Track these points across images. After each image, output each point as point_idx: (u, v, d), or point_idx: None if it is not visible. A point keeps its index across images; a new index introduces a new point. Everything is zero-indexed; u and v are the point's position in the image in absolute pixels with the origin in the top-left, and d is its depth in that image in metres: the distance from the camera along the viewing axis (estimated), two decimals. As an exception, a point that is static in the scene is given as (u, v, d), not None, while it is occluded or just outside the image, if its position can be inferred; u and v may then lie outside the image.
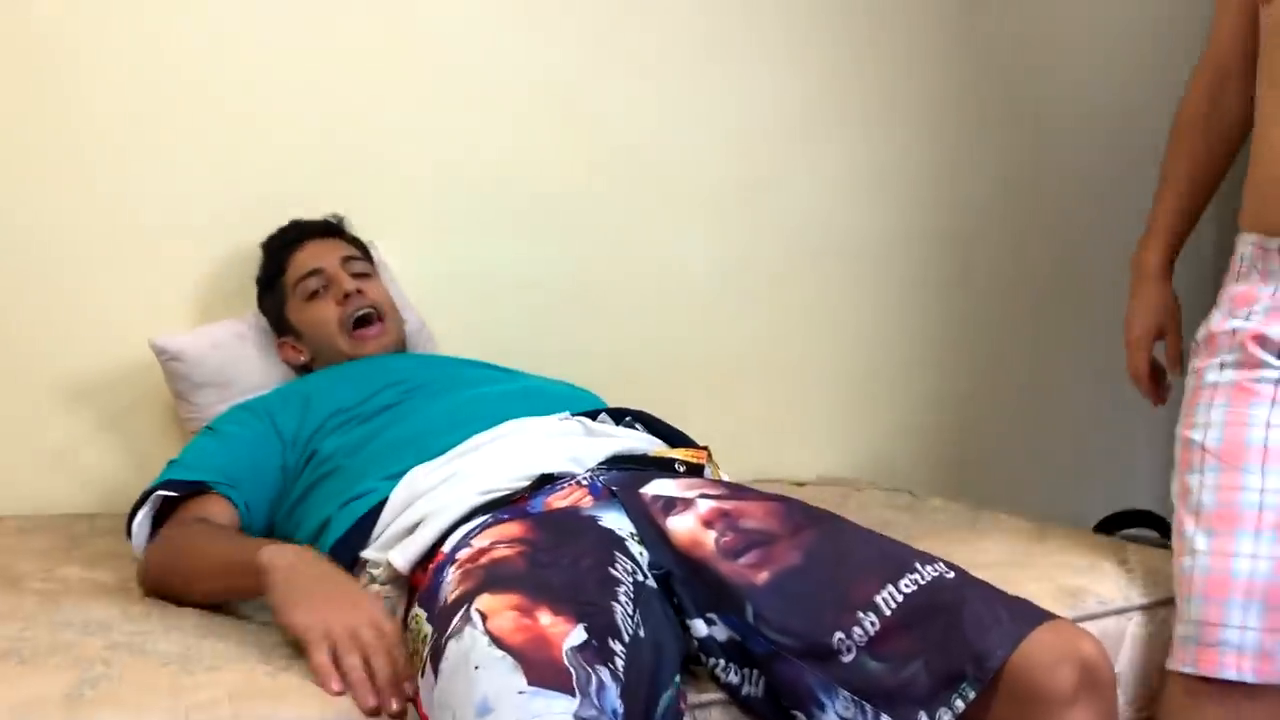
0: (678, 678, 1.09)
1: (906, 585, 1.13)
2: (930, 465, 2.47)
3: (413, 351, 1.88)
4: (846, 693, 1.10)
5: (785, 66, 2.30)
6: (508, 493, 1.27)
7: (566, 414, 1.44)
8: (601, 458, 1.35)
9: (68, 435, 1.89)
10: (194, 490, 1.47)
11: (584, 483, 1.29)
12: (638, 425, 1.48)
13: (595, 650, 0.99)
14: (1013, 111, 2.48)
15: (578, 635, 0.99)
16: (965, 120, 2.44)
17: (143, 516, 1.46)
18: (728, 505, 1.24)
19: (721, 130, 2.27)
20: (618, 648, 1.01)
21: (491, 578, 1.08)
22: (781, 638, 1.13)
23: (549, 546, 1.14)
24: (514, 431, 1.39)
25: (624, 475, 1.31)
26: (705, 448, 1.45)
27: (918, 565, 1.16)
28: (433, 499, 1.29)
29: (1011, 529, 1.82)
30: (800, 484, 2.24)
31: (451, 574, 1.12)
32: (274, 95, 1.98)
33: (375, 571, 1.28)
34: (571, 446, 1.36)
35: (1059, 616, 1.14)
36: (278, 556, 1.22)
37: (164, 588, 1.37)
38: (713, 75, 2.26)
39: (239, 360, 1.83)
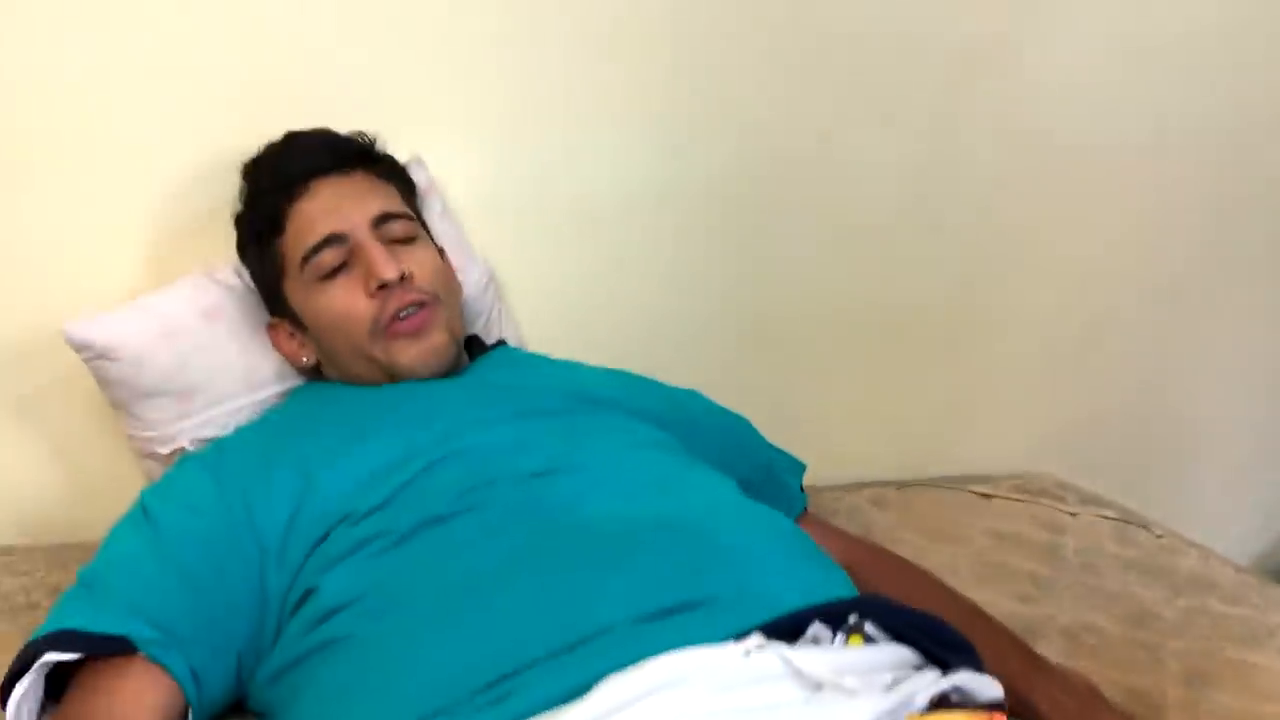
0: None
1: None
2: (1114, 455, 1.85)
3: (476, 346, 1.24)
4: None
5: None
6: None
7: (760, 638, 0.80)
8: (825, 761, 0.74)
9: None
10: (107, 649, 0.88)
11: None
12: (867, 628, 0.86)
13: None
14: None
15: None
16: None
17: (26, 696, 0.87)
18: None
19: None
20: None
21: None
22: None
23: None
24: (670, 685, 0.76)
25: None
26: (1000, 705, 0.83)
27: None
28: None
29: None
30: (987, 495, 1.65)
31: None
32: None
33: None
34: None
35: None
36: None
37: None
38: None
39: (206, 354, 1.18)
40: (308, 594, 0.93)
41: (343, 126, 1.20)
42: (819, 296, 1.62)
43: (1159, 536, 1.55)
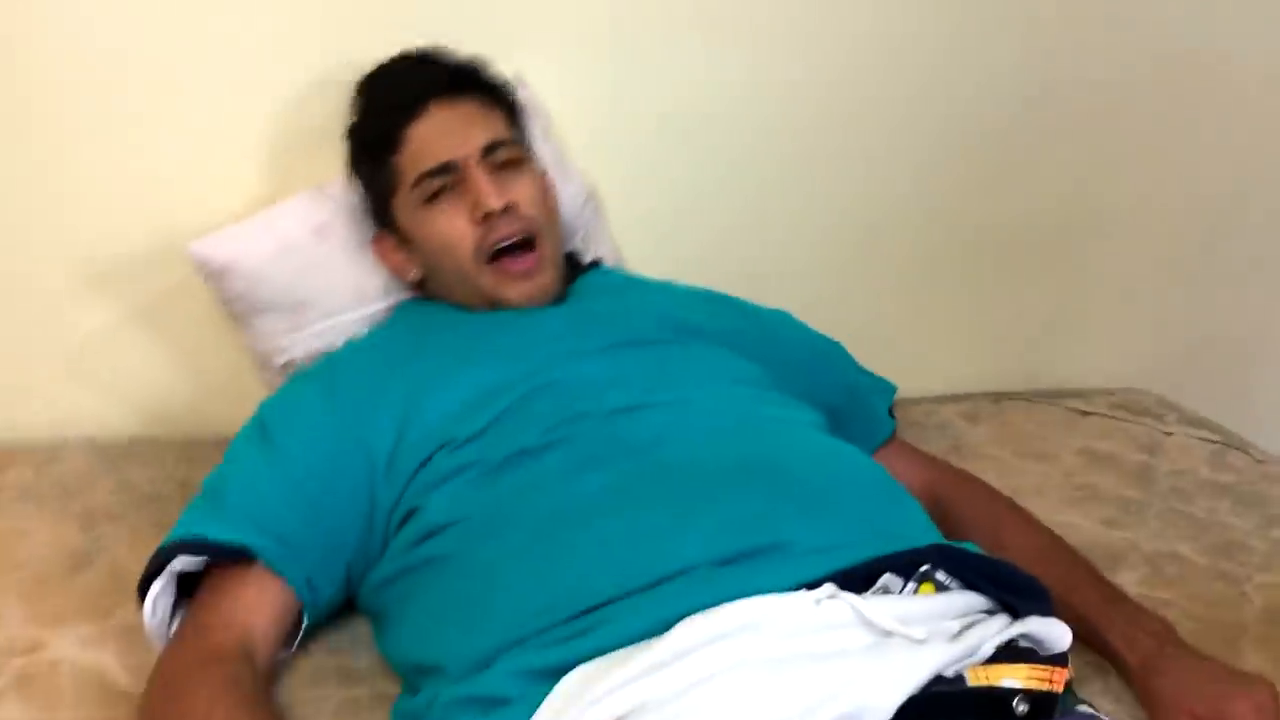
0: None
1: None
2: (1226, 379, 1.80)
3: (573, 265, 1.27)
4: None
5: None
6: None
7: (831, 588, 0.84)
8: (892, 707, 0.78)
9: (93, 337, 1.36)
10: (231, 557, 0.96)
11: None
12: (938, 575, 0.88)
13: None
14: None
15: None
16: None
17: (160, 594, 0.96)
18: None
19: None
20: None
21: None
22: None
23: None
24: (744, 629, 0.80)
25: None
26: (1063, 658, 0.86)
27: None
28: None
29: None
30: (1084, 412, 1.64)
31: None
32: None
33: None
34: (842, 682, 0.78)
35: None
36: None
37: None
38: None
39: (318, 271, 1.24)
40: (411, 512, 0.99)
41: (447, 44, 1.22)
42: (922, 207, 1.60)
43: (1259, 461, 1.54)
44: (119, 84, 1.27)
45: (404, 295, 1.25)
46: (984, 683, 0.81)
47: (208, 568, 0.98)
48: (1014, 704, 0.80)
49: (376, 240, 1.23)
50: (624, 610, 0.83)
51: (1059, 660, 0.85)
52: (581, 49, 1.38)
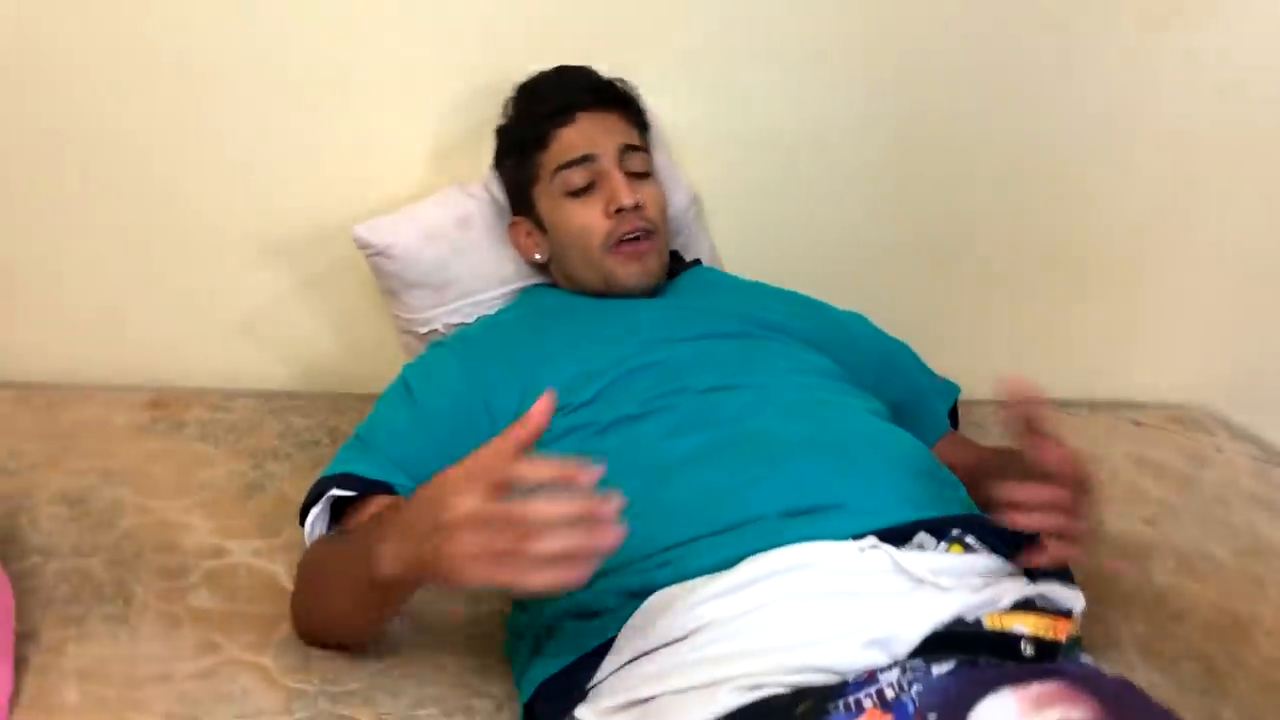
0: None
1: None
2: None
3: (675, 262, 1.45)
4: None
5: None
6: (779, 701, 0.91)
7: (874, 540, 1.01)
8: (916, 638, 0.95)
9: (262, 302, 1.60)
10: (376, 490, 1.17)
11: (890, 698, 0.90)
12: (967, 539, 1.06)
13: None
14: None
15: None
16: None
17: (317, 518, 1.18)
18: None
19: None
20: None
21: None
22: None
23: None
24: (799, 568, 0.99)
25: (945, 686, 0.91)
26: (1069, 612, 1.02)
27: None
28: (671, 669, 0.95)
29: None
30: (1139, 423, 1.78)
31: None
32: None
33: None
34: (877, 615, 0.96)
35: None
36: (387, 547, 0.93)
37: (320, 630, 1.13)
38: None
39: (460, 256, 1.44)
40: (530, 464, 1.19)
41: (577, 60, 1.42)
42: (995, 224, 1.74)
43: (1289, 469, 1.66)
44: (305, 85, 1.49)
45: (531, 281, 1.45)
46: (998, 627, 0.97)
47: (356, 500, 1.19)
48: (1021, 645, 0.97)
49: (514, 224, 1.42)
50: (703, 548, 1.02)
51: (1065, 614, 1.01)
52: (695, 71, 1.56)
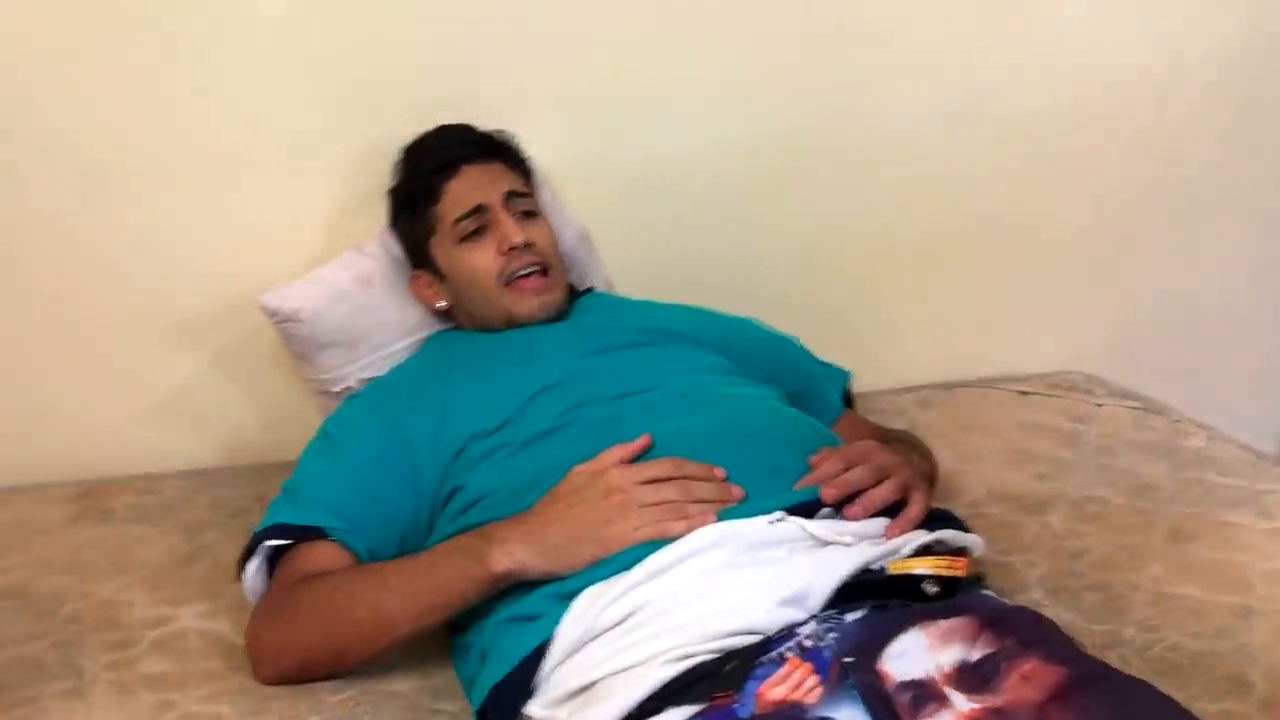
0: None
1: None
2: (1154, 357, 2.06)
3: (571, 292, 1.54)
4: None
5: None
6: (708, 667, 0.98)
7: (781, 513, 1.10)
8: (827, 590, 1.03)
9: (178, 383, 1.64)
10: (307, 535, 1.22)
11: (808, 647, 0.98)
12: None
13: None
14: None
15: None
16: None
17: (256, 573, 1.23)
18: (995, 698, 0.92)
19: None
20: None
21: None
22: None
23: None
24: (714, 546, 1.06)
25: (858, 631, 0.99)
26: (962, 550, 1.11)
27: None
28: (608, 654, 1.01)
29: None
30: (1024, 392, 1.90)
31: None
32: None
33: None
34: (790, 575, 1.04)
35: None
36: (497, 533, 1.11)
37: (300, 662, 1.17)
38: None
39: (366, 314, 1.51)
40: (454, 491, 1.25)
41: (458, 113, 1.51)
42: (866, 227, 1.87)
43: (1175, 422, 1.79)
44: (199, 167, 1.56)
45: (436, 328, 1.52)
46: (901, 571, 1.06)
47: (288, 548, 1.23)
48: (924, 585, 1.05)
49: (414, 278, 1.50)
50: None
51: (961, 553, 1.10)
52: (577, 112, 1.68)
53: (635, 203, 1.74)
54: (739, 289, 1.72)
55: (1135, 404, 1.85)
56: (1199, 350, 2.09)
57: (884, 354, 1.91)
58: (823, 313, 1.84)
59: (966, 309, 1.97)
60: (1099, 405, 1.85)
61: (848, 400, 1.58)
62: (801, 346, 1.56)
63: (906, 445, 1.41)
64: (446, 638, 1.20)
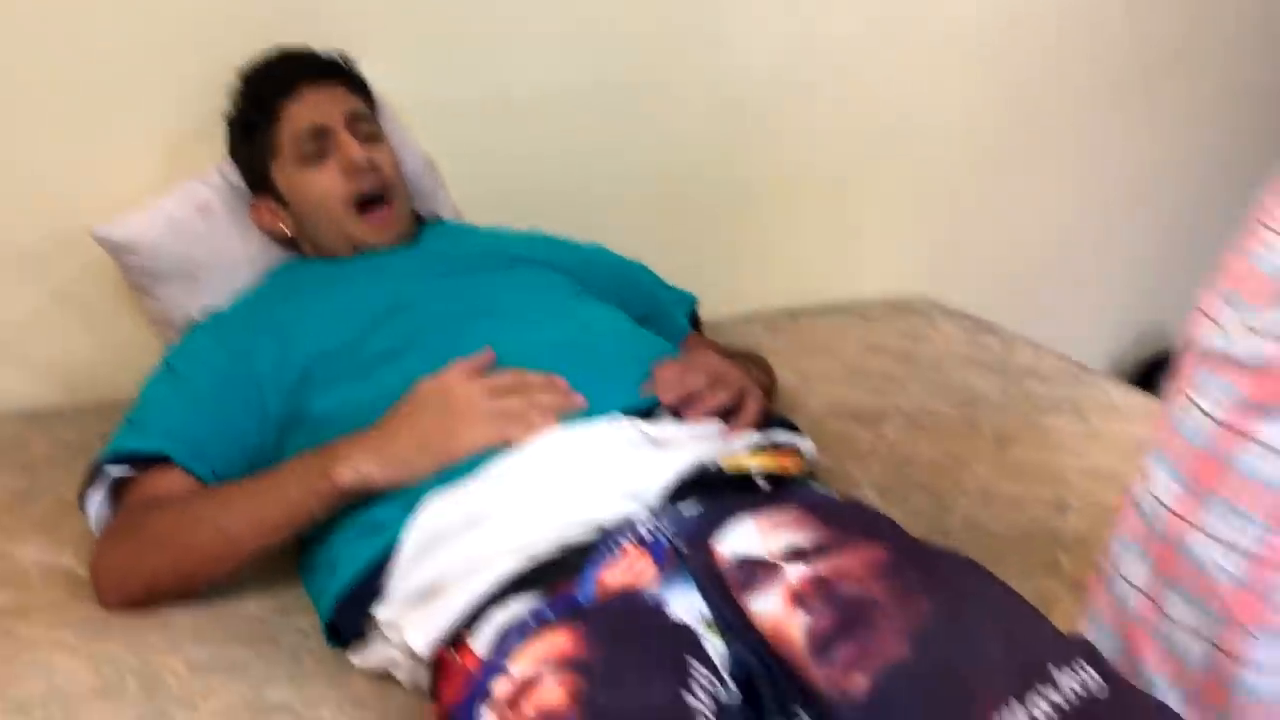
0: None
1: (1042, 707, 0.85)
2: (987, 279, 2.17)
3: (421, 216, 1.54)
4: None
5: None
6: (550, 558, 1.02)
7: (620, 415, 1.14)
8: (664, 485, 1.07)
9: (14, 319, 1.59)
10: (151, 462, 1.22)
11: (645, 538, 1.02)
12: None
13: None
14: None
15: None
16: None
17: (100, 502, 1.22)
18: (823, 567, 0.97)
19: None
20: None
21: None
22: None
23: (608, 674, 0.89)
24: (555, 449, 1.10)
25: (693, 521, 1.04)
26: (793, 447, 1.17)
27: (1056, 672, 0.86)
28: (452, 554, 1.04)
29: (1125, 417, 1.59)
30: (865, 317, 1.98)
31: (490, 723, 0.89)
32: None
33: (394, 635, 1.05)
34: (627, 472, 1.08)
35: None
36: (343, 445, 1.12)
37: (147, 586, 1.16)
38: None
39: (205, 243, 1.48)
40: (302, 413, 1.25)
41: (299, 41, 1.49)
42: (713, 163, 1.92)
43: (1004, 339, 1.89)
44: (33, 96, 1.51)
45: (280, 258, 1.50)
46: (734, 467, 1.11)
47: (133, 478, 1.23)
48: (757, 481, 1.10)
49: (255, 206, 1.47)
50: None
51: (792, 451, 1.16)
52: (424, 44, 1.68)
53: (483, 136, 1.75)
54: (589, 222, 1.72)
55: (968, 325, 1.94)
56: (1029, 272, 2.20)
57: (733, 284, 1.96)
58: (672, 245, 1.87)
59: (812, 240, 2.04)
60: (934, 328, 1.94)
61: (695, 324, 1.63)
62: (650, 272, 1.60)
63: (747, 360, 1.46)
64: (296, 556, 1.21)
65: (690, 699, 0.89)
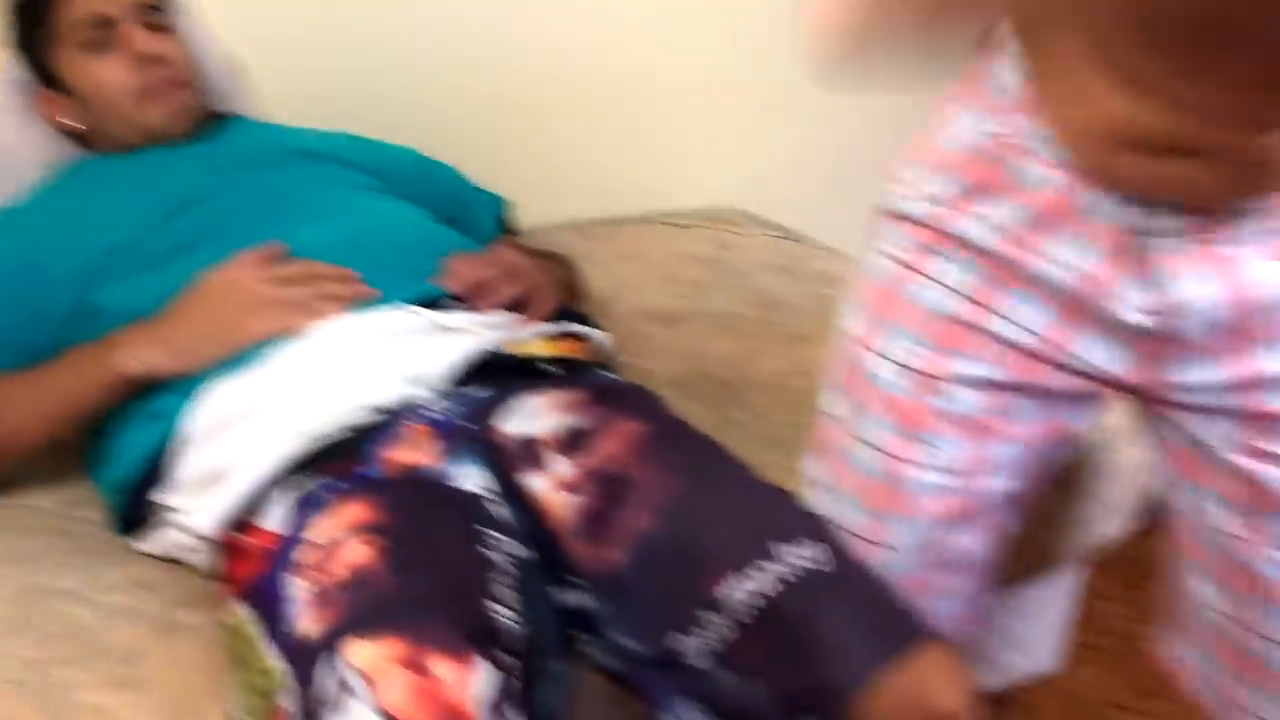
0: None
1: (766, 579, 0.90)
2: (809, 193, 2.25)
3: (220, 114, 1.52)
4: (696, 704, 0.92)
5: None
6: (332, 439, 1.04)
7: (410, 305, 1.16)
8: (451, 369, 1.11)
9: None
10: None
11: (431, 418, 1.06)
12: None
13: (503, 690, 0.83)
14: None
15: (482, 681, 0.82)
16: None
17: None
18: (591, 449, 1.00)
19: None
20: (516, 663, 0.87)
21: (358, 610, 0.86)
22: (631, 643, 0.94)
23: (408, 536, 0.93)
24: (341, 335, 1.12)
25: (478, 402, 1.07)
26: (583, 336, 1.22)
27: (787, 548, 0.91)
28: (234, 438, 1.06)
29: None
30: (680, 226, 2.03)
31: (298, 587, 0.91)
32: None
33: (180, 520, 1.07)
34: (412, 356, 1.11)
35: (935, 638, 0.91)
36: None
37: None
38: None
39: (-8, 139, 1.44)
40: (90, 308, 1.24)
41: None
42: (528, 68, 1.93)
43: (813, 250, 1.97)
44: None
45: (72, 155, 1.47)
46: (521, 352, 1.15)
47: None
48: (543, 366, 1.15)
49: (41, 98, 1.42)
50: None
51: (581, 338, 1.21)
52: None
53: (291, 38, 1.72)
54: (401, 125, 1.73)
55: (776, 233, 2.02)
56: (842, 187, 2.28)
57: (551, 192, 1.99)
58: (487, 150, 1.88)
59: (629, 149, 2.07)
60: (742, 236, 2.00)
61: (507, 228, 1.65)
62: (458, 174, 1.61)
63: (551, 259, 1.49)
64: (85, 449, 1.21)
65: (489, 553, 0.93)
